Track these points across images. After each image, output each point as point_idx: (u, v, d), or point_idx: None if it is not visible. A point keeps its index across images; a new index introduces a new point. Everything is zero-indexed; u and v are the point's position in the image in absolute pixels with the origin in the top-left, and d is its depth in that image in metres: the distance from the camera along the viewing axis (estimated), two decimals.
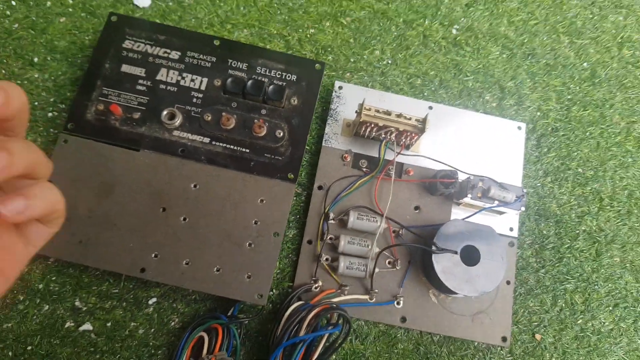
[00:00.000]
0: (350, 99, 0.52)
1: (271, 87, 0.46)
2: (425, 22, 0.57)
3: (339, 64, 0.54)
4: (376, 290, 0.46)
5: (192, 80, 0.47)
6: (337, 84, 0.52)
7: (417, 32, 0.56)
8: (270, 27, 0.55)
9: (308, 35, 0.55)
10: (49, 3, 0.52)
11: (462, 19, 0.57)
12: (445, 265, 0.44)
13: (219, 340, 0.41)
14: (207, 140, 0.45)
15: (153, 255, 0.42)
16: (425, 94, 0.54)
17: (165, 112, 0.45)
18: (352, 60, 0.55)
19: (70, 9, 0.52)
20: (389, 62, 0.55)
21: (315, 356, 0.42)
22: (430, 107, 0.52)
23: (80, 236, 0.42)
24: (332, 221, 0.47)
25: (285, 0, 0.56)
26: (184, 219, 0.44)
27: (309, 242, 0.47)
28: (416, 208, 0.49)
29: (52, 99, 0.49)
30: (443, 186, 0.47)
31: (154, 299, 0.45)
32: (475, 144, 0.51)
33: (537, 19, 0.59)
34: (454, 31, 0.57)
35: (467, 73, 0.55)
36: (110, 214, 0.43)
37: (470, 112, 0.53)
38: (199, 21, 0.54)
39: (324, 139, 0.50)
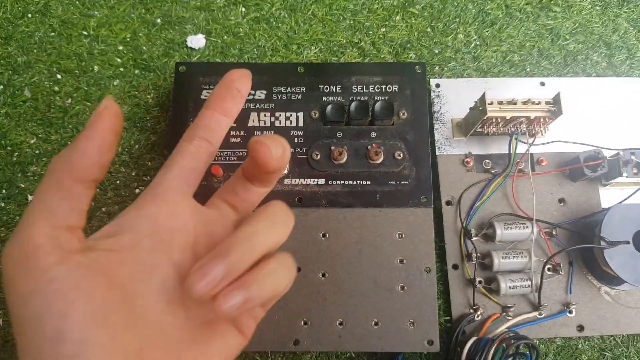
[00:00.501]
0: (451, 96, 0.46)
1: (377, 104, 0.41)
2: None
3: (423, 58, 0.48)
4: (545, 304, 0.40)
5: (287, 118, 0.41)
6: (433, 82, 0.46)
7: (497, 3, 0.50)
8: (338, 37, 0.49)
9: (381, 36, 0.49)
10: (96, 67, 0.46)
11: None
12: (619, 259, 0.38)
13: None
14: (322, 181, 0.40)
15: (302, 323, 0.37)
16: (528, 69, 0.48)
17: None
18: (436, 51, 0.49)
19: (122, 69, 0.46)
20: (478, 43, 0.49)
21: None
22: (542, 84, 0.46)
23: None
24: (474, 238, 0.42)
25: (345, 3, 0.50)
26: (323, 275, 0.38)
27: (455, 267, 0.42)
28: (560, 201, 0.43)
29: (133, 173, 0.43)
30: (589, 169, 0.41)
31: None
32: (601, 114, 0.46)
33: None
34: None
35: (565, 36, 0.49)
36: None
37: (583, 78, 0.47)
38: (261, 50, 0.48)
39: (436, 148, 0.44)
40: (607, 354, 0.41)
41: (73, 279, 0.19)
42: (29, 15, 0.48)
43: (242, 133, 0.40)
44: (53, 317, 0.18)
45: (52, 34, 0.47)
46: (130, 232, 0.22)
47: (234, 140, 0.40)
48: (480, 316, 0.40)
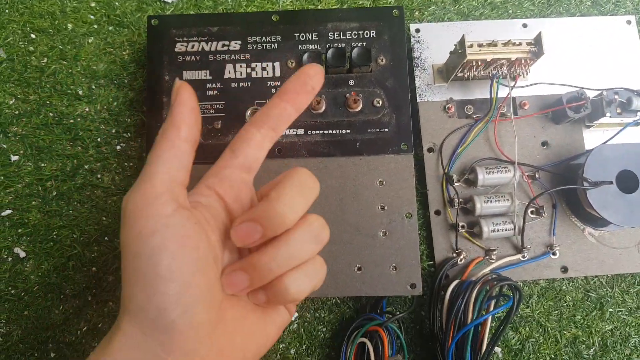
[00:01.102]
0: (432, 41, 0.45)
1: (354, 51, 0.40)
2: None
3: (402, 3, 0.47)
4: (528, 246, 0.41)
5: (264, 68, 0.40)
6: (413, 27, 0.45)
7: None
8: None
9: None
10: (70, 25, 0.45)
11: None
12: (602, 199, 0.38)
13: (385, 344, 0.37)
14: (301, 132, 0.40)
15: None
16: (510, 11, 0.47)
17: (248, 113, 0.39)
18: None
19: (95, 26, 0.45)
20: None
21: (488, 334, 0.37)
22: (525, 25, 0.46)
23: None
24: (456, 184, 0.42)
25: None
26: None
27: (437, 212, 0.42)
28: (543, 144, 0.43)
29: (114, 130, 0.43)
30: (572, 111, 0.41)
31: (295, 314, 0.41)
32: (584, 55, 0.45)
33: None
34: None
35: None
36: None
37: (567, 19, 0.46)
38: (235, 0, 0.46)
39: (417, 95, 0.44)
40: (591, 294, 0.42)
41: (184, 228, 0.23)
42: None
43: (218, 85, 0.40)
44: (167, 256, 0.22)
45: None
46: (206, 208, 0.26)
47: (210, 93, 0.40)
48: (463, 260, 0.41)
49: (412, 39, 0.45)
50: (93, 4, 0.46)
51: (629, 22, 0.46)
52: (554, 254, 0.41)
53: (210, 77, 0.40)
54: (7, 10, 0.46)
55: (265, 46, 0.41)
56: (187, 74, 0.40)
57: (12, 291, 0.41)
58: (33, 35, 0.45)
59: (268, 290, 0.25)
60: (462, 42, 0.39)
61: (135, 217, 0.23)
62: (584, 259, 0.41)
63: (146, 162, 0.25)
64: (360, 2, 0.47)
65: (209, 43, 0.41)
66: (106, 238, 0.42)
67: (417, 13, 0.47)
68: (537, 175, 0.42)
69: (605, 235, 0.42)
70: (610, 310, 0.41)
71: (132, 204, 0.23)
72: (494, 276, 0.39)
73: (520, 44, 0.39)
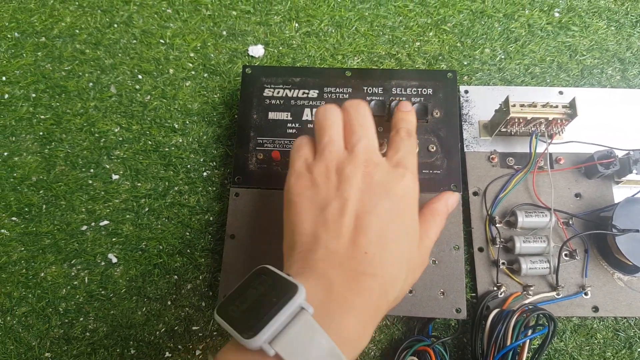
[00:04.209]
0: (479, 101, 0.52)
1: (415, 105, 0.47)
2: (526, 11, 0.57)
3: (453, 69, 0.55)
4: (562, 285, 0.45)
5: None
6: (463, 88, 0.52)
7: (520, 22, 0.57)
8: (378, 50, 0.56)
9: (416, 49, 0.56)
10: (171, 70, 0.54)
11: (561, 1, 0.57)
12: (630, 245, 0.43)
13: None
14: None
15: None
16: (548, 80, 0.54)
17: None
18: (465, 63, 0.55)
19: (193, 72, 0.54)
20: (502, 57, 0.55)
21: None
22: (561, 92, 0.52)
23: None
24: (498, 224, 0.47)
25: (385, 21, 0.57)
26: None
27: (480, 249, 0.47)
28: (577, 195, 0.48)
29: (202, 159, 0.50)
30: (603, 167, 0.47)
31: None
32: (613, 119, 0.51)
33: None
34: (556, 14, 0.57)
35: (582, 52, 0.55)
36: None
37: (598, 89, 0.53)
38: (312, 59, 0.55)
39: (465, 145, 0.50)
40: (620, 334, 0.45)
41: None
42: (115, 25, 0.56)
43: (297, 125, 0.47)
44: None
45: (134, 41, 0.55)
46: None
47: (290, 131, 0.47)
48: (502, 293, 0.45)
49: (462, 98, 0.52)
50: (192, 54, 0.54)
51: None
52: (585, 294, 0.45)
53: (291, 118, 0.47)
54: (119, 54, 0.55)
55: (338, 95, 0.48)
56: (272, 115, 0.48)
57: (102, 292, 0.47)
58: (140, 76, 0.54)
59: None
60: (506, 102, 0.46)
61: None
62: (613, 301, 0.45)
63: None
64: (416, 67, 0.55)
65: (292, 90, 0.48)
66: (188, 250, 0.48)
67: (466, 77, 0.54)
68: (570, 222, 0.47)
69: (634, 280, 0.46)
70: (639, 350, 0.45)
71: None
72: (531, 307, 0.43)
73: (557, 106, 0.45)
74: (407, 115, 0.39)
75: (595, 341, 0.45)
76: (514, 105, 0.45)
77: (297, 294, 0.25)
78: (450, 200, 0.39)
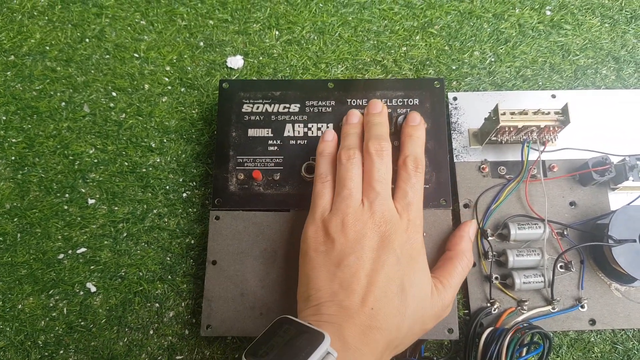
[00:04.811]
0: (468, 108, 0.50)
1: (400, 117, 0.45)
2: (516, 10, 0.55)
3: (441, 74, 0.53)
4: (557, 299, 0.44)
5: (319, 128, 0.46)
6: (451, 95, 0.50)
7: (510, 22, 0.54)
8: (362, 56, 0.53)
9: (402, 54, 0.54)
10: (147, 86, 0.52)
11: None
12: (627, 256, 0.42)
13: None
14: None
15: None
16: (540, 83, 0.52)
17: (304, 167, 0.44)
18: (453, 67, 0.53)
19: (169, 87, 0.52)
20: (492, 60, 0.53)
21: None
22: (554, 96, 0.50)
23: (260, 309, 0.41)
24: (490, 238, 0.45)
25: (369, 25, 0.55)
26: None
27: (472, 264, 0.45)
28: (571, 204, 0.47)
29: (181, 179, 0.48)
30: (598, 174, 0.45)
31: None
32: (609, 123, 0.49)
33: None
34: (547, 13, 0.55)
35: (575, 52, 0.53)
36: (281, 280, 0.42)
37: (592, 90, 0.51)
38: (293, 68, 0.53)
39: (454, 155, 0.48)
40: (618, 347, 0.44)
41: None
42: (87, 40, 0.54)
43: (278, 142, 0.45)
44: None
45: (107, 56, 0.53)
46: None
47: (271, 148, 0.45)
48: (496, 309, 0.44)
49: (450, 106, 0.50)
50: (168, 68, 0.52)
51: None
52: (582, 306, 0.44)
53: (272, 135, 0.45)
54: (92, 71, 0.53)
55: (321, 109, 0.46)
56: (251, 131, 0.45)
57: (82, 323, 0.45)
58: (114, 93, 0.52)
59: None
60: (495, 110, 0.44)
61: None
62: (611, 313, 0.44)
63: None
64: (403, 73, 0.53)
65: (272, 105, 0.46)
66: (169, 276, 0.46)
67: (454, 83, 0.52)
68: (565, 232, 0.45)
69: (631, 291, 0.44)
70: None
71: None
72: (525, 325, 0.41)
73: (549, 113, 0.44)
74: (416, 132, 0.42)
75: (593, 355, 0.44)
76: (504, 114, 0.43)
77: (325, 341, 0.29)
78: (472, 231, 0.43)
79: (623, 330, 0.44)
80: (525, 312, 0.44)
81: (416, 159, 0.40)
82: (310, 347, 0.28)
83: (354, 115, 0.43)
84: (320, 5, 0.55)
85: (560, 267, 0.44)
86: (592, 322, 0.44)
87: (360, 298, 0.34)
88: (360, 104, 0.46)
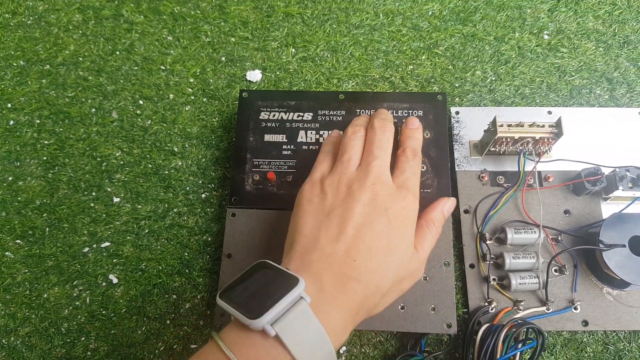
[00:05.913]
0: (469, 122, 0.53)
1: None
2: (516, 34, 0.59)
3: (445, 91, 0.56)
4: (552, 300, 0.46)
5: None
6: (453, 109, 0.54)
7: (510, 45, 0.58)
8: (372, 73, 0.57)
9: (409, 72, 0.57)
10: (171, 95, 0.56)
11: (550, 24, 0.59)
12: (617, 260, 0.44)
13: None
14: None
15: None
16: (538, 100, 0.55)
17: None
18: (456, 85, 0.57)
19: (192, 97, 0.56)
20: (493, 78, 0.57)
21: None
22: (550, 112, 0.54)
23: None
24: (489, 241, 0.48)
25: (379, 45, 0.59)
26: None
27: (471, 266, 0.48)
28: (565, 212, 0.49)
29: (200, 181, 0.52)
30: (590, 184, 0.48)
31: (344, 348, 0.46)
32: (601, 138, 0.52)
33: (620, 8, 0.60)
34: (545, 37, 0.59)
35: (571, 73, 0.57)
36: None
37: (586, 108, 0.54)
38: (308, 83, 0.57)
39: (456, 165, 0.51)
40: (610, 347, 0.46)
41: None
42: (117, 52, 0.59)
43: (291, 147, 0.49)
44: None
45: (136, 68, 0.58)
46: None
47: (285, 152, 0.49)
48: (494, 309, 0.46)
49: (453, 119, 0.53)
50: (191, 80, 0.57)
51: None
52: (575, 308, 0.46)
53: (286, 140, 0.49)
54: (121, 81, 0.57)
55: (332, 118, 0.50)
56: (267, 137, 0.49)
57: (103, 312, 0.48)
58: (141, 102, 0.56)
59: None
60: (493, 122, 0.47)
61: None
62: (602, 315, 0.46)
63: None
64: (409, 89, 0.56)
65: (287, 113, 0.50)
66: (187, 270, 0.49)
67: (457, 99, 0.56)
68: (559, 238, 0.48)
69: (622, 295, 0.47)
70: None
71: None
72: (520, 321, 0.44)
73: (543, 125, 0.47)
74: (414, 133, 0.44)
75: (585, 355, 0.46)
76: (502, 125, 0.47)
77: (298, 285, 0.29)
78: (447, 206, 0.43)
79: (614, 331, 0.47)
80: (521, 311, 0.46)
81: (414, 149, 0.42)
82: (284, 290, 0.28)
83: (362, 115, 0.47)
84: (334, 26, 0.59)
85: (555, 270, 0.47)
86: (585, 323, 0.46)
87: (345, 248, 0.34)
88: (369, 114, 0.50)
